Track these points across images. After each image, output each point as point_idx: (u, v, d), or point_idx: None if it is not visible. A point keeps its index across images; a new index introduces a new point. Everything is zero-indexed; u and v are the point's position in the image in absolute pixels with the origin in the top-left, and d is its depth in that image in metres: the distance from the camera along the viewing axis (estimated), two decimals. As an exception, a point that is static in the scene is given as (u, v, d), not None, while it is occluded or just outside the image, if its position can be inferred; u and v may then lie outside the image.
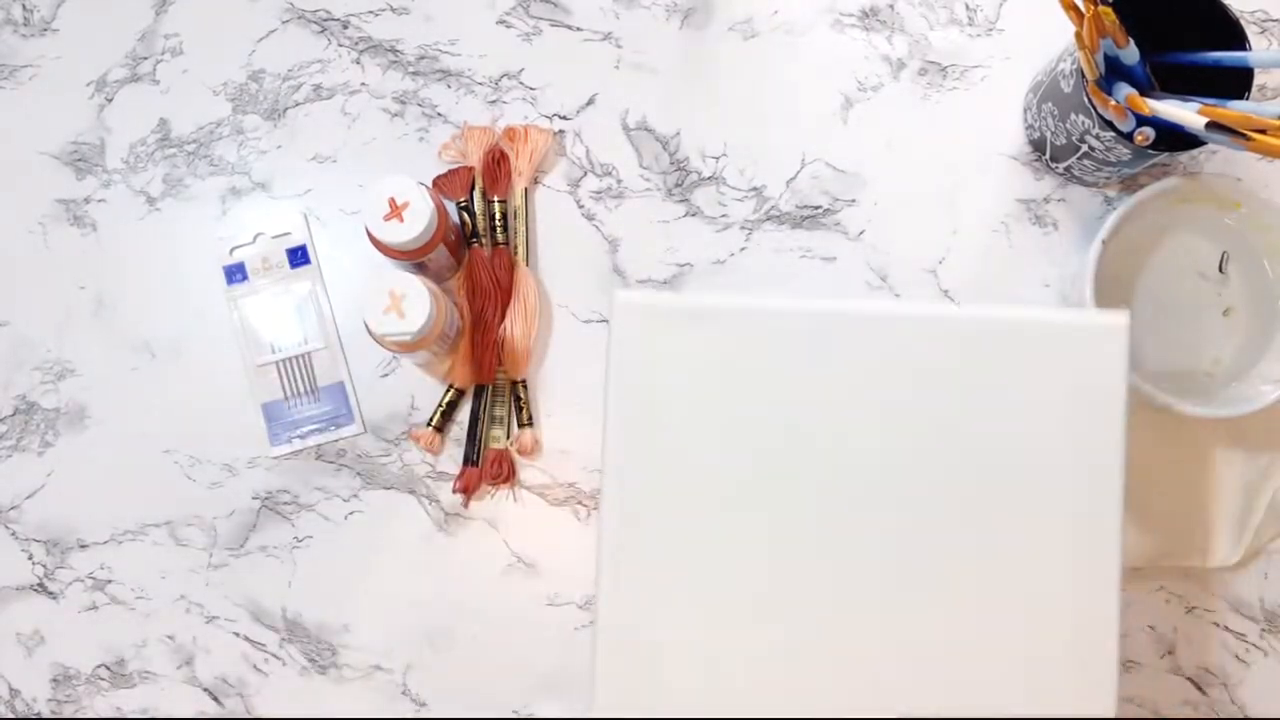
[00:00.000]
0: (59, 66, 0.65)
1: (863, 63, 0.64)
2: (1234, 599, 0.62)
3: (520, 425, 0.62)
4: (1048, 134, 0.60)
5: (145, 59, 0.65)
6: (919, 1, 0.65)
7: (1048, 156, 0.62)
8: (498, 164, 0.63)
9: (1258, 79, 0.56)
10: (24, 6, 0.65)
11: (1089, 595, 0.52)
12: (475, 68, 0.65)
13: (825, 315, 0.51)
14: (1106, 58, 0.54)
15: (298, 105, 0.65)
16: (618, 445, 0.51)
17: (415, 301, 0.55)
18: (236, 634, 0.62)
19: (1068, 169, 0.62)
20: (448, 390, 0.62)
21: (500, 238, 0.63)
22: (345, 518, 0.62)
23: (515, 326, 0.62)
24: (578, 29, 0.65)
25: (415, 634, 0.61)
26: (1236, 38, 0.55)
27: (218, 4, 0.65)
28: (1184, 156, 0.63)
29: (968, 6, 0.64)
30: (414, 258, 0.57)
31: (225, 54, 0.65)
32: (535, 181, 0.64)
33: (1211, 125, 0.50)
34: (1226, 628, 0.62)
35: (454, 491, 0.62)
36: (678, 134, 0.64)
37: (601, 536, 0.51)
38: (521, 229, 0.63)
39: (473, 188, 0.63)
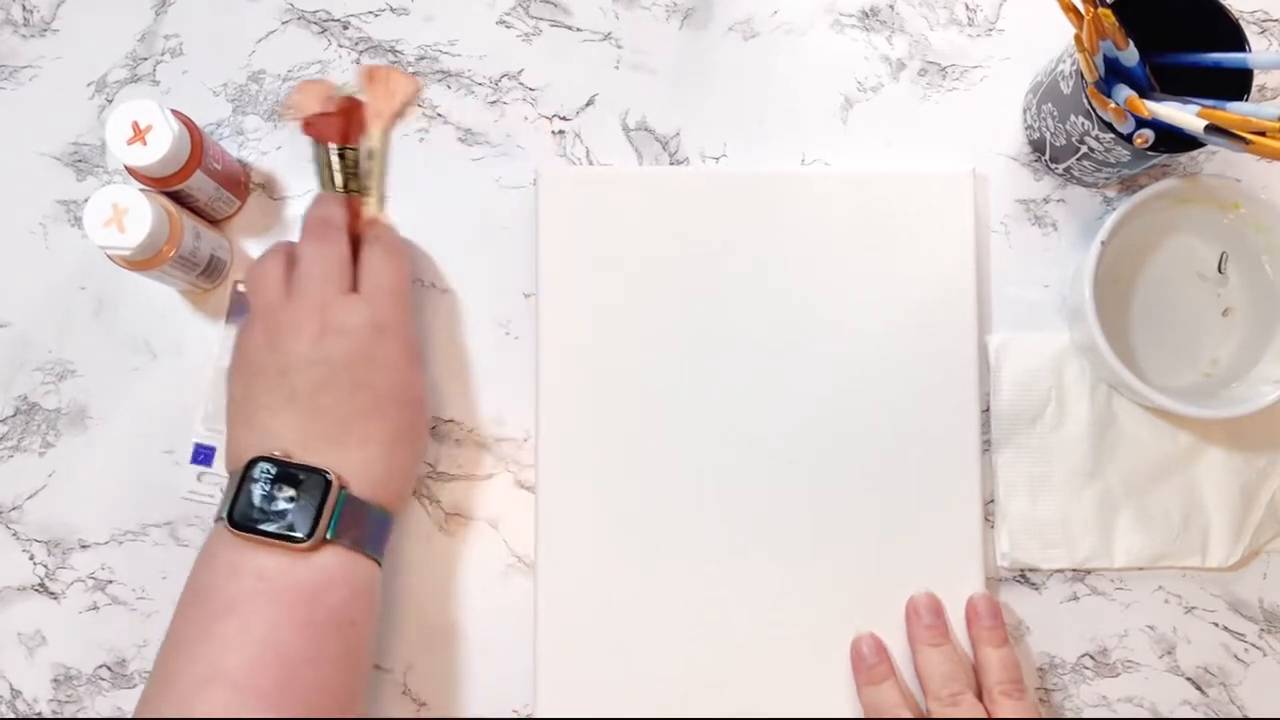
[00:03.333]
0: (59, 67, 0.65)
1: (862, 63, 0.64)
2: (1233, 599, 0.62)
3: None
4: (1047, 135, 0.60)
5: (145, 59, 0.65)
6: (919, 2, 0.65)
7: (1047, 157, 0.62)
8: (351, 109, 0.63)
9: (1257, 80, 0.56)
10: (24, 7, 0.65)
11: (954, 444, 0.61)
12: (475, 68, 0.65)
13: (716, 178, 0.63)
14: (1106, 59, 0.54)
15: (298, 106, 0.65)
16: (550, 301, 0.61)
17: (138, 217, 0.54)
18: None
19: (1067, 170, 0.62)
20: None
21: (353, 185, 0.63)
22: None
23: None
24: (577, 29, 0.65)
25: (415, 634, 0.61)
26: (1236, 39, 0.55)
27: (218, 5, 0.65)
28: (1183, 158, 0.63)
29: (968, 7, 0.65)
30: (167, 185, 0.57)
31: (225, 54, 0.65)
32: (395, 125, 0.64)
33: (1211, 128, 0.50)
34: (1226, 628, 0.62)
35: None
36: (678, 134, 0.64)
37: (539, 379, 0.61)
38: (376, 171, 0.63)
39: (357, 131, 0.63)
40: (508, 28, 0.65)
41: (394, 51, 0.65)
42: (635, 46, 0.65)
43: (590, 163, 0.64)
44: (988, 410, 0.62)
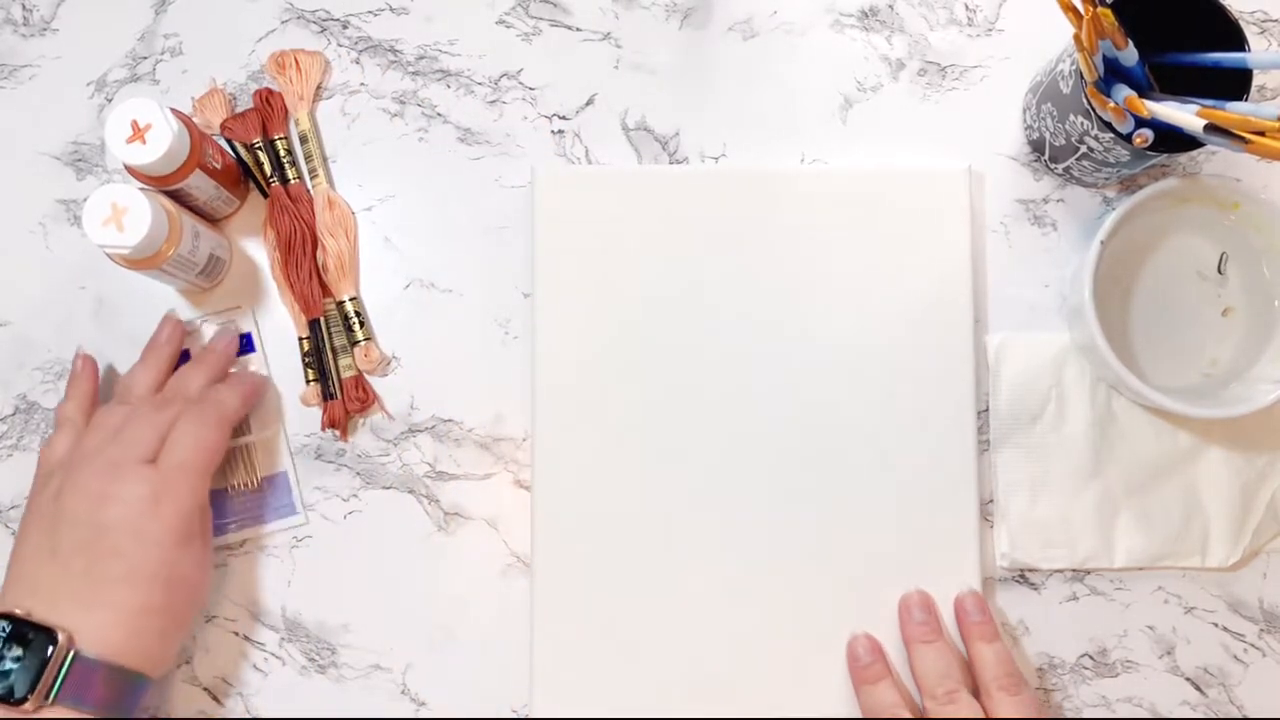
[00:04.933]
0: (59, 66, 0.65)
1: (862, 63, 0.64)
2: (1233, 599, 0.62)
3: (355, 344, 0.63)
4: (1047, 135, 0.60)
5: (145, 59, 0.65)
6: (918, 2, 0.65)
7: (1047, 157, 0.62)
8: (268, 102, 0.64)
9: (1257, 80, 0.55)
10: (24, 6, 0.66)
11: (952, 443, 0.61)
12: (475, 67, 0.65)
13: (714, 177, 0.63)
14: (1105, 59, 0.54)
15: (298, 105, 0.65)
16: (547, 300, 0.62)
17: (137, 216, 0.55)
18: (236, 633, 0.62)
19: (1067, 169, 0.62)
20: (300, 343, 0.63)
21: (291, 173, 0.63)
22: (344, 517, 0.62)
23: (328, 253, 0.63)
24: (577, 29, 0.65)
25: (415, 633, 0.61)
26: (1235, 39, 0.55)
27: (217, 4, 0.65)
28: (1183, 158, 0.63)
29: (967, 7, 0.65)
30: (166, 184, 0.57)
31: (225, 54, 0.65)
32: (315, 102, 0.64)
33: (1210, 127, 0.50)
34: (1225, 628, 0.62)
35: (323, 429, 0.62)
36: (677, 134, 0.64)
37: (535, 378, 0.61)
38: (315, 151, 0.63)
39: (279, 121, 0.64)
40: (507, 27, 0.65)
41: (393, 51, 0.65)
42: (635, 46, 0.65)
43: (590, 162, 0.64)
44: (985, 410, 0.62)
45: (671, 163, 0.64)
